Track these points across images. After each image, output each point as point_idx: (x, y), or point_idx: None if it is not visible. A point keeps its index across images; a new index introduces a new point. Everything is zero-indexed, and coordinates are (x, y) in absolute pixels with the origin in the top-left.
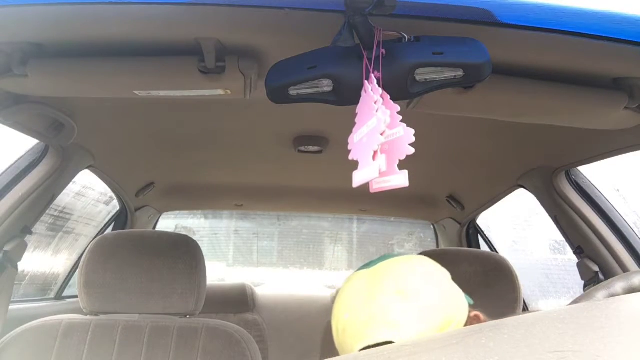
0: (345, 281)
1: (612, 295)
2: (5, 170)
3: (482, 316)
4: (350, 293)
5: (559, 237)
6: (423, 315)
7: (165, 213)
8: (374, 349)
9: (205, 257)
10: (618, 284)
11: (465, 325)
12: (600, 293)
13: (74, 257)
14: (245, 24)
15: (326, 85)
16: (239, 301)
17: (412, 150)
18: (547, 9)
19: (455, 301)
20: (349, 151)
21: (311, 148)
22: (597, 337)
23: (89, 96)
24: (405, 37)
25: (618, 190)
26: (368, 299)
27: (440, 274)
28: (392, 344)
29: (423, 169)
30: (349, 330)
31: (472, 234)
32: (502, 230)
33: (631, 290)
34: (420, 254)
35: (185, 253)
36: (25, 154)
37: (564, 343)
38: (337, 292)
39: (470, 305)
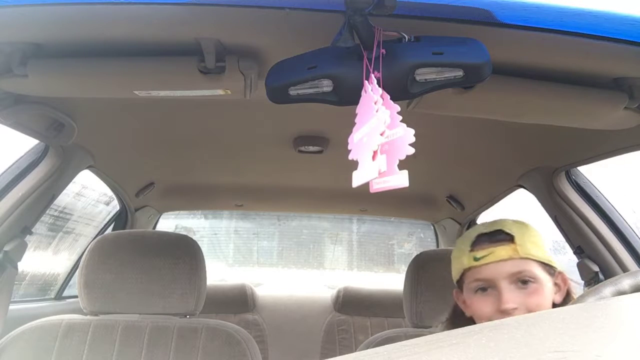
0: None
1: (620, 292)
2: (5, 170)
3: (566, 276)
4: (474, 226)
5: (559, 237)
6: (529, 230)
7: (165, 213)
8: (374, 349)
9: (205, 257)
10: (626, 281)
11: (553, 270)
12: (607, 289)
13: (74, 257)
14: (245, 24)
15: (326, 85)
16: (239, 301)
17: (412, 150)
18: (547, 9)
19: (548, 249)
20: (349, 151)
21: (311, 148)
22: (597, 337)
23: (89, 96)
24: (405, 37)
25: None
26: (492, 222)
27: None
28: (393, 344)
29: (423, 169)
30: (473, 231)
31: None
32: None
33: (638, 288)
34: (420, 254)
35: (185, 253)
36: (25, 154)
37: (564, 343)
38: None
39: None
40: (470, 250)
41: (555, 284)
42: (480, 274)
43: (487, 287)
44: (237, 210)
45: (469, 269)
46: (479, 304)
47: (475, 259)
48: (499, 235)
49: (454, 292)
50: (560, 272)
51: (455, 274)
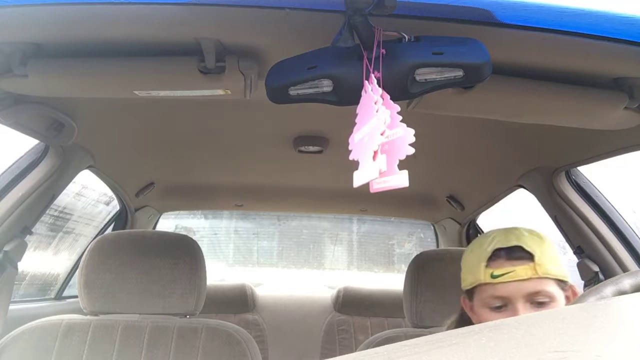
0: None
1: (620, 292)
2: (5, 170)
3: (576, 289)
4: (489, 233)
5: (559, 237)
6: (545, 244)
7: (165, 213)
8: (374, 349)
9: (205, 257)
10: (626, 281)
11: (566, 285)
12: (608, 289)
13: (74, 257)
14: (245, 24)
15: (326, 86)
16: (239, 301)
17: (412, 150)
18: (547, 9)
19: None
20: (350, 151)
21: (311, 148)
22: (597, 337)
23: (89, 96)
24: (405, 37)
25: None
26: (506, 231)
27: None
28: (393, 344)
29: (423, 169)
30: (486, 243)
31: (472, 234)
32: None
33: (639, 288)
34: (420, 254)
35: (185, 253)
36: (25, 154)
37: (564, 343)
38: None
39: None
40: (486, 265)
41: (566, 297)
42: (497, 292)
43: (502, 304)
44: (237, 210)
45: (485, 284)
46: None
47: (493, 277)
48: (518, 253)
49: (462, 299)
50: (571, 285)
51: (466, 284)
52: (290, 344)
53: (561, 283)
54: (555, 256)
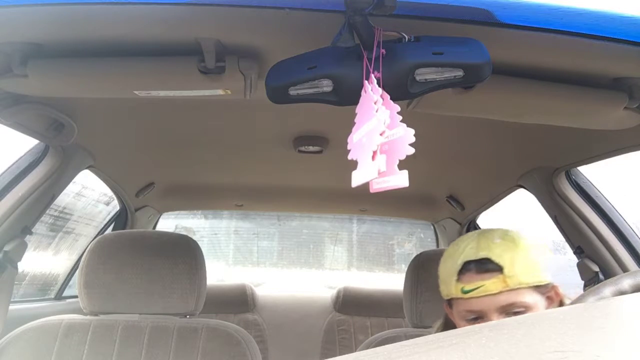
0: (459, 237)
1: (620, 292)
2: (5, 170)
3: (560, 292)
4: (465, 238)
5: (559, 237)
6: (517, 251)
7: (165, 213)
8: (374, 349)
9: (205, 257)
10: (626, 281)
11: (547, 288)
12: (607, 289)
13: (74, 257)
14: (245, 24)
15: (326, 86)
16: (239, 301)
17: (412, 150)
18: (547, 9)
19: (543, 264)
20: (349, 151)
21: (311, 148)
22: (597, 337)
23: (89, 96)
24: (405, 37)
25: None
26: (478, 236)
27: (538, 245)
28: (393, 344)
29: (423, 169)
30: (457, 253)
31: None
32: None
33: (639, 288)
34: (420, 254)
35: (185, 253)
36: (25, 154)
37: (564, 343)
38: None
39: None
40: (457, 279)
41: (548, 297)
42: (469, 307)
43: (477, 317)
44: (237, 210)
45: (458, 298)
46: None
47: (464, 292)
48: (487, 265)
49: (444, 305)
50: (553, 286)
51: (443, 294)
52: (290, 344)
53: (539, 288)
54: (530, 262)
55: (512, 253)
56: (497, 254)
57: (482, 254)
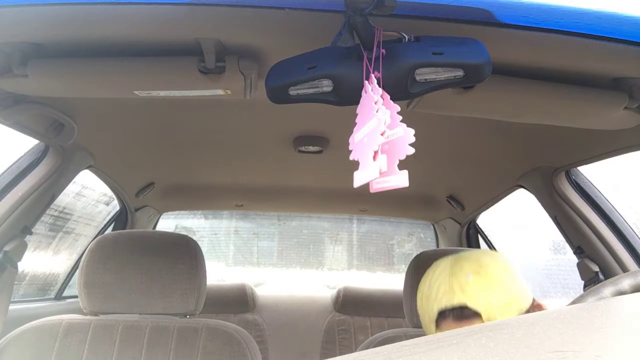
0: (432, 266)
1: (620, 292)
2: (6, 170)
3: (544, 306)
4: (435, 271)
5: (559, 237)
6: (492, 289)
7: (165, 213)
8: (374, 349)
9: (205, 257)
10: (626, 281)
11: (528, 312)
12: (607, 289)
13: (74, 257)
14: (245, 24)
15: (326, 86)
16: (239, 301)
17: (412, 150)
18: (547, 9)
19: (521, 288)
20: (350, 151)
21: (311, 148)
22: (597, 337)
23: (89, 96)
24: (405, 37)
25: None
26: (450, 275)
27: (511, 266)
28: (393, 344)
29: (423, 169)
30: (432, 297)
31: (472, 234)
32: (501, 231)
33: (639, 288)
34: (420, 254)
35: (185, 253)
36: (25, 154)
37: (564, 343)
38: (422, 277)
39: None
40: (436, 327)
41: None
42: None
43: None
44: (237, 210)
45: None
46: None
47: None
48: (464, 312)
49: None
50: (537, 304)
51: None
52: (290, 344)
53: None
54: (509, 295)
55: (487, 292)
56: (472, 299)
57: (457, 301)
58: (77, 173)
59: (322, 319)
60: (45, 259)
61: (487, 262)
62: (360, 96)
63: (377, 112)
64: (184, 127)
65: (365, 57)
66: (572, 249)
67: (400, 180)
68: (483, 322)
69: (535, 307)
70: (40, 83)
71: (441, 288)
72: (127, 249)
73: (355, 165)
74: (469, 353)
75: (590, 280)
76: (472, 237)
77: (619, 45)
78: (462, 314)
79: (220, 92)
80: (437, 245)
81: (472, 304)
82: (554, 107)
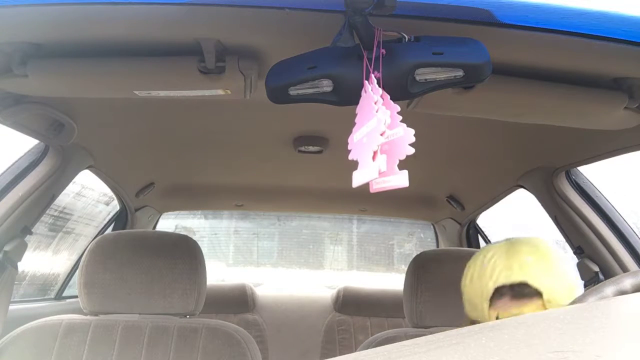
0: (481, 251)
1: (621, 292)
2: (5, 170)
3: None
4: (487, 254)
5: (559, 237)
6: (553, 272)
7: (165, 213)
8: (374, 349)
9: (205, 257)
10: (627, 281)
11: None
12: (608, 289)
13: (74, 257)
14: (245, 24)
15: (326, 86)
16: (239, 301)
17: (412, 150)
18: (547, 9)
19: (576, 278)
20: (349, 151)
21: (311, 148)
22: (597, 337)
23: (89, 96)
24: (405, 37)
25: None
26: (506, 256)
27: (566, 257)
28: (393, 344)
29: (423, 169)
30: (486, 275)
31: (472, 234)
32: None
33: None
34: (420, 254)
35: (185, 253)
36: (25, 154)
37: (564, 343)
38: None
39: None
40: (490, 305)
41: None
42: None
43: None
44: (237, 210)
45: None
46: None
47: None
48: (524, 290)
49: (469, 322)
50: None
51: (471, 316)
52: (290, 344)
53: None
54: (567, 281)
55: (549, 274)
56: (534, 277)
57: (517, 278)
58: (77, 173)
59: (322, 319)
60: (45, 259)
61: (545, 248)
62: (360, 96)
63: (377, 112)
64: (184, 127)
65: (365, 57)
66: (572, 249)
67: (400, 180)
68: (543, 303)
69: None
70: (40, 83)
71: (497, 266)
72: (127, 249)
73: (355, 165)
74: (469, 353)
75: (591, 280)
76: (472, 237)
77: (619, 45)
78: (522, 292)
79: (220, 92)
80: (437, 245)
81: (534, 283)
82: (554, 107)
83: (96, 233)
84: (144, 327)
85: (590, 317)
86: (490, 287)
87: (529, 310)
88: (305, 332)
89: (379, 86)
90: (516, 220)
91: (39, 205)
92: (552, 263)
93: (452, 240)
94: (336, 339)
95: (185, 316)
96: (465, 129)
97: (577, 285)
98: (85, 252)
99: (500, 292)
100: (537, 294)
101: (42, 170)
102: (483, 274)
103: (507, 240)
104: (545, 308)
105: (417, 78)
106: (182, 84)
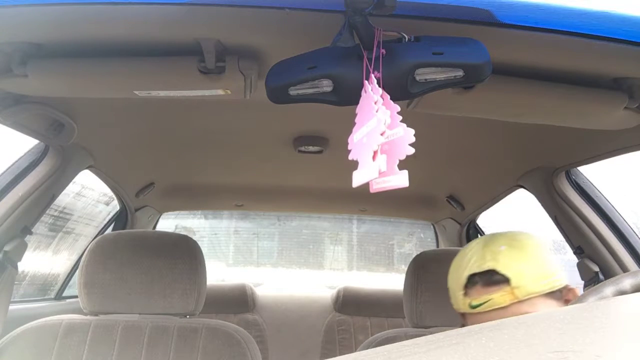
0: (468, 244)
1: (621, 292)
2: (5, 170)
3: (577, 291)
4: (469, 246)
5: (559, 237)
6: (525, 260)
7: (165, 213)
8: (374, 349)
9: (205, 257)
10: (627, 281)
11: (562, 292)
12: (608, 289)
13: (74, 257)
14: (245, 24)
15: (326, 86)
16: (239, 301)
17: (412, 150)
18: (547, 9)
19: (553, 266)
20: (349, 151)
21: (311, 148)
22: (597, 337)
23: (89, 96)
24: (405, 37)
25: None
26: (483, 246)
27: (546, 245)
28: (393, 344)
29: (423, 169)
30: (462, 266)
31: (472, 234)
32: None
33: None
34: (420, 254)
35: (185, 253)
36: (25, 154)
37: (564, 343)
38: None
39: None
40: (464, 294)
41: (566, 301)
42: (479, 321)
43: None
44: (237, 210)
45: (467, 313)
46: None
47: (472, 307)
48: (493, 277)
49: (460, 316)
50: (569, 289)
51: (454, 307)
52: (290, 344)
53: (553, 294)
54: (540, 268)
55: (519, 261)
56: (502, 264)
57: (487, 266)
58: (77, 173)
59: (322, 319)
60: (45, 259)
61: (521, 238)
62: (360, 96)
63: (377, 112)
64: (184, 127)
65: (365, 57)
66: (572, 249)
67: (400, 180)
68: (512, 289)
69: (569, 291)
70: (40, 83)
71: (473, 257)
72: (127, 249)
73: (355, 165)
74: (469, 353)
75: (591, 280)
76: (472, 237)
77: (619, 45)
78: (490, 279)
79: (220, 92)
80: (437, 245)
81: (502, 269)
82: (554, 107)
83: (96, 233)
84: (144, 327)
85: (590, 317)
86: (464, 276)
87: (498, 296)
88: (305, 332)
89: (379, 86)
90: (516, 220)
91: (39, 205)
92: (525, 251)
93: (452, 240)
94: (336, 339)
95: (185, 316)
96: (465, 129)
97: (552, 272)
98: (85, 252)
99: (472, 281)
100: (505, 280)
101: (42, 170)
102: (460, 264)
103: (489, 234)
104: (514, 294)
105: (417, 78)
106: (182, 84)
